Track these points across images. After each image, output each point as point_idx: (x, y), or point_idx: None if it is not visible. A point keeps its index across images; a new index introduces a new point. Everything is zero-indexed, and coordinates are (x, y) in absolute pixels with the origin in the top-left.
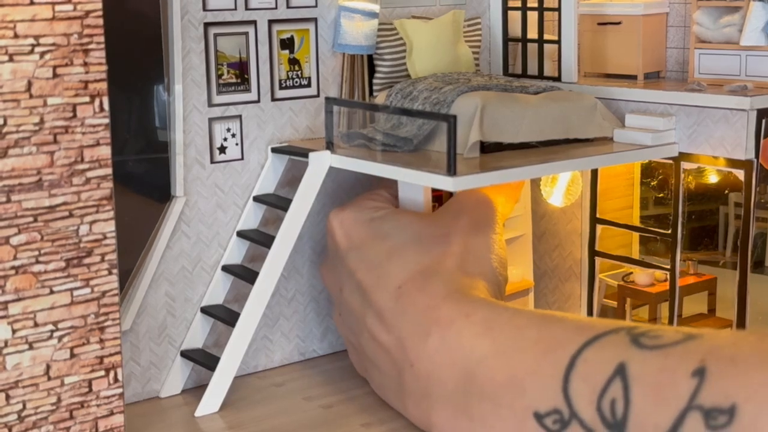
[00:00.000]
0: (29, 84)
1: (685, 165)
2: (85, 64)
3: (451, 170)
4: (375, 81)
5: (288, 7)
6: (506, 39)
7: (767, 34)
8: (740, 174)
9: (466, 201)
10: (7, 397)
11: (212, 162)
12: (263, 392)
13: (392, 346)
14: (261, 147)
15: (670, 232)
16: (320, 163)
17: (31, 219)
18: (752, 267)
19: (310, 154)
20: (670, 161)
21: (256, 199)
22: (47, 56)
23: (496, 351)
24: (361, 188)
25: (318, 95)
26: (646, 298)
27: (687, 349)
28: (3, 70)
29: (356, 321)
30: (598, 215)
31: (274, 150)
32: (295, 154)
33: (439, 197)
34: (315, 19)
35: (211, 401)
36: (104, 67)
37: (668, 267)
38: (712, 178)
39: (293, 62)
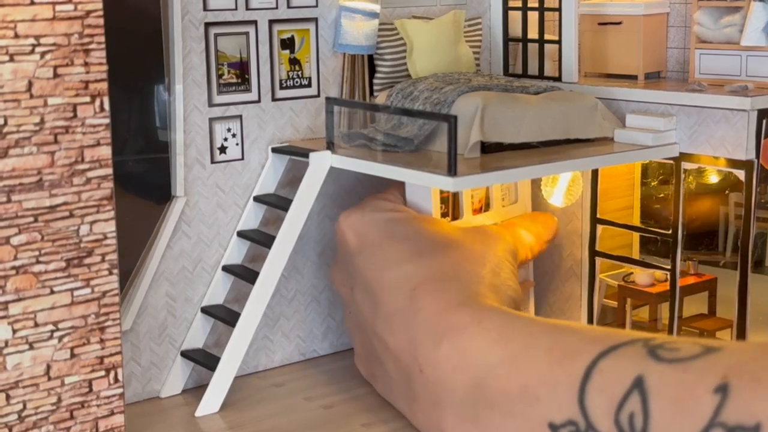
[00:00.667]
0: (30, 84)
1: (686, 165)
2: (86, 64)
3: (452, 170)
4: (375, 81)
5: (288, 7)
6: (507, 39)
7: None
8: (741, 174)
9: (496, 230)
10: (8, 397)
11: (213, 162)
12: (264, 392)
13: (402, 350)
14: (261, 147)
15: (670, 232)
16: (321, 164)
17: (31, 219)
18: (753, 267)
19: (311, 155)
20: (671, 161)
21: (257, 199)
22: (48, 56)
23: (508, 359)
24: (362, 188)
25: (318, 95)
26: (646, 298)
27: (707, 363)
28: (3, 70)
29: (366, 321)
30: (598, 215)
31: (274, 150)
32: (296, 154)
33: (447, 199)
34: (315, 19)
35: (211, 401)
36: (105, 67)
37: (668, 267)
38: (713, 179)
39: (294, 62)
